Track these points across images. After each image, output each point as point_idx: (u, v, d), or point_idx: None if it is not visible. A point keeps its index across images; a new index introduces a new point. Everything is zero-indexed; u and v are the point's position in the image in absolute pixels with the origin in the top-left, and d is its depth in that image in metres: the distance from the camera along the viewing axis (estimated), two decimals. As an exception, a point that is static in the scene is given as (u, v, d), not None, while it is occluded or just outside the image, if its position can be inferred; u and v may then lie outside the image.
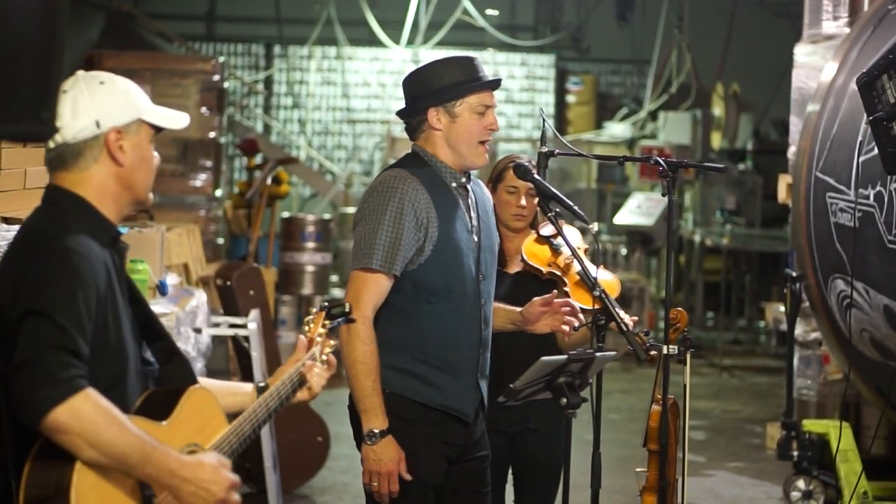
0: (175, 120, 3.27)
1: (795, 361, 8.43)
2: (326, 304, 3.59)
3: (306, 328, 3.50)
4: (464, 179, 4.25)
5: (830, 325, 7.27)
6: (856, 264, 6.58)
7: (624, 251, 13.51)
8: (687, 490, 7.90)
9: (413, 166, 4.21)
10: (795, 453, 7.64)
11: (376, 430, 4.07)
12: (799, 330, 8.41)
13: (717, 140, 14.80)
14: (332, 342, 3.54)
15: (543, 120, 4.60)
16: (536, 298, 4.38)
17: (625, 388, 11.12)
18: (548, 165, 4.68)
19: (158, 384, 3.29)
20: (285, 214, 11.87)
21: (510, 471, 5.06)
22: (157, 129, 3.24)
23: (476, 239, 4.26)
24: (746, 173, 14.44)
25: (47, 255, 2.97)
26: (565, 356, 3.96)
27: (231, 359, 7.94)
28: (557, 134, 4.67)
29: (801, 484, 7.56)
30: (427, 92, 4.19)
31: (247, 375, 7.25)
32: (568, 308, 4.34)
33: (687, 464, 8.54)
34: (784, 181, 8.64)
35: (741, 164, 14.70)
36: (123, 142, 3.14)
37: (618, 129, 15.25)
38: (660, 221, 13.25)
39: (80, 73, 3.21)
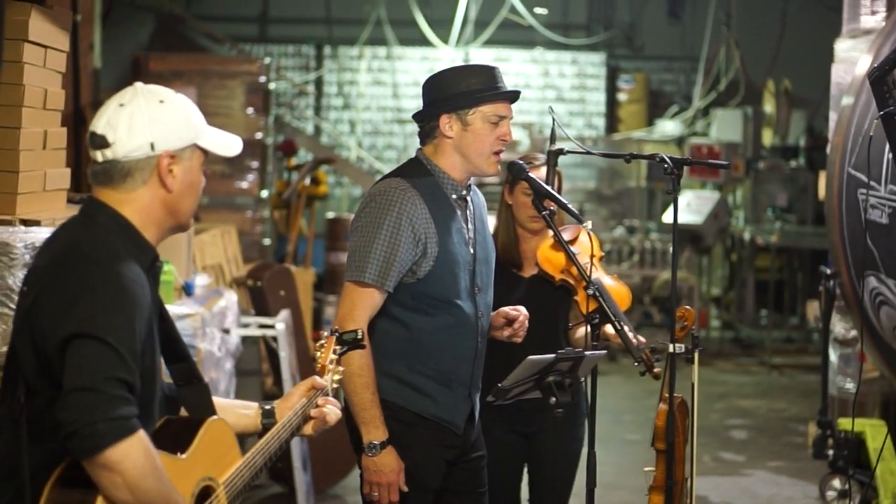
0: (229, 147, 3.15)
1: (834, 359, 8.34)
2: (336, 329, 3.55)
3: (318, 354, 3.46)
4: (464, 192, 4.22)
5: (865, 322, 7.17)
6: (887, 262, 6.48)
7: (673, 249, 13.38)
8: (724, 489, 7.89)
9: (414, 175, 4.16)
10: (830, 452, 7.56)
11: (376, 442, 4.07)
12: (839, 328, 8.31)
13: (768, 137, 14.64)
14: (340, 369, 3.50)
15: (553, 119, 4.58)
16: (503, 308, 4.37)
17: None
18: (557, 163, 4.65)
19: (172, 403, 3.23)
20: (330, 215, 11.90)
21: (525, 470, 5.05)
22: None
23: (472, 251, 4.24)
24: (798, 170, 14.27)
25: (102, 277, 2.84)
26: (553, 355, 3.94)
27: (263, 359, 7.97)
28: (566, 132, 4.64)
29: (836, 483, 7.48)
30: (441, 97, 4.15)
31: (278, 376, 7.29)
32: (523, 328, 4.34)
33: (726, 463, 8.51)
34: (823, 178, 8.54)
35: (793, 161, 14.54)
36: (175, 166, 3.02)
37: (669, 127, 15.14)
38: (710, 219, 13.14)
39: (139, 85, 3.08)
